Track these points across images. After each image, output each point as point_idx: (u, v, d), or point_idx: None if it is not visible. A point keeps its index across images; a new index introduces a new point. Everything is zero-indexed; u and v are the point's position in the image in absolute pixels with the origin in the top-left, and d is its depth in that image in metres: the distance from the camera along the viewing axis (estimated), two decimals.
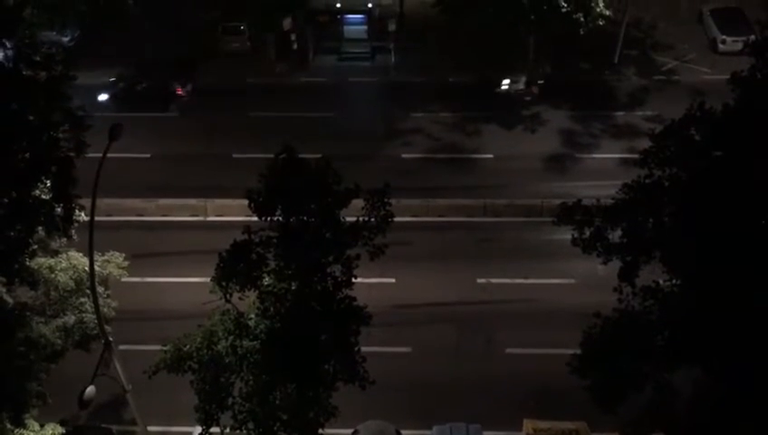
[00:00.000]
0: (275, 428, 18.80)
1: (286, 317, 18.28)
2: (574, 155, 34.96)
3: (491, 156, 34.99)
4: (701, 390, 19.30)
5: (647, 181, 18.99)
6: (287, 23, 38.15)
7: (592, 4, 34.48)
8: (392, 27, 38.81)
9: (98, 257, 22.60)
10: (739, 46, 35.04)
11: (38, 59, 19.11)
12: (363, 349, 19.08)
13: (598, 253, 19.44)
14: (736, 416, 18.04)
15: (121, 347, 21.96)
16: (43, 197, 19.97)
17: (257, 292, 18.57)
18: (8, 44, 19.22)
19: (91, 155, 19.78)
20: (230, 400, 18.80)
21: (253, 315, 18.90)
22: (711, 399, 18.76)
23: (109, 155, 18.87)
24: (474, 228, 31.80)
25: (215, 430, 19.10)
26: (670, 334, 18.59)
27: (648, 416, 19.64)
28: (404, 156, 35.04)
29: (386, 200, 18.74)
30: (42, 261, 22.05)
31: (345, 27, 40.37)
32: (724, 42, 39.14)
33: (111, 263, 23.86)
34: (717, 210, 17.53)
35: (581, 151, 35.18)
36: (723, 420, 18.30)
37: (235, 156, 34.69)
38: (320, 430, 19.48)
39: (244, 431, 18.83)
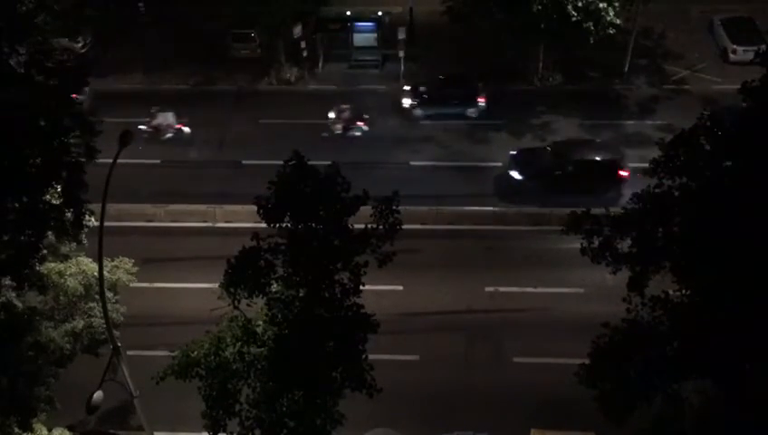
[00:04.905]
0: None
1: (294, 324, 18.25)
2: None
3: (500, 164, 34.92)
4: (711, 401, 19.16)
5: (656, 191, 18.92)
6: (297, 30, 38.21)
7: (602, 13, 34.44)
8: (402, 35, 38.81)
9: (107, 262, 22.69)
10: (750, 56, 34.67)
11: (50, 65, 19.21)
12: (371, 357, 19.01)
13: (607, 262, 19.35)
14: (747, 428, 17.90)
15: (129, 352, 21.97)
16: (54, 202, 20.06)
17: (265, 298, 18.57)
18: (21, 50, 19.34)
19: (101, 160, 19.86)
20: (237, 406, 18.74)
21: (261, 322, 18.89)
22: (721, 411, 18.61)
23: (119, 161, 18.95)
24: (482, 236, 31.71)
25: None
26: (680, 345, 18.47)
27: (658, 428, 19.49)
28: (413, 163, 35.04)
29: (394, 208, 18.70)
30: (51, 266, 22.14)
31: (355, 35, 40.38)
32: (735, 51, 38.89)
33: (120, 268, 23.95)
34: (728, 220, 17.44)
35: None
36: (733, 432, 18.16)
37: (244, 162, 34.83)
38: None
39: None
